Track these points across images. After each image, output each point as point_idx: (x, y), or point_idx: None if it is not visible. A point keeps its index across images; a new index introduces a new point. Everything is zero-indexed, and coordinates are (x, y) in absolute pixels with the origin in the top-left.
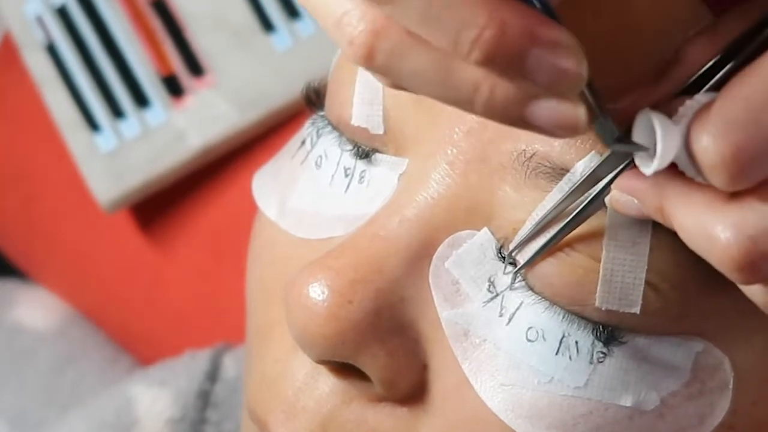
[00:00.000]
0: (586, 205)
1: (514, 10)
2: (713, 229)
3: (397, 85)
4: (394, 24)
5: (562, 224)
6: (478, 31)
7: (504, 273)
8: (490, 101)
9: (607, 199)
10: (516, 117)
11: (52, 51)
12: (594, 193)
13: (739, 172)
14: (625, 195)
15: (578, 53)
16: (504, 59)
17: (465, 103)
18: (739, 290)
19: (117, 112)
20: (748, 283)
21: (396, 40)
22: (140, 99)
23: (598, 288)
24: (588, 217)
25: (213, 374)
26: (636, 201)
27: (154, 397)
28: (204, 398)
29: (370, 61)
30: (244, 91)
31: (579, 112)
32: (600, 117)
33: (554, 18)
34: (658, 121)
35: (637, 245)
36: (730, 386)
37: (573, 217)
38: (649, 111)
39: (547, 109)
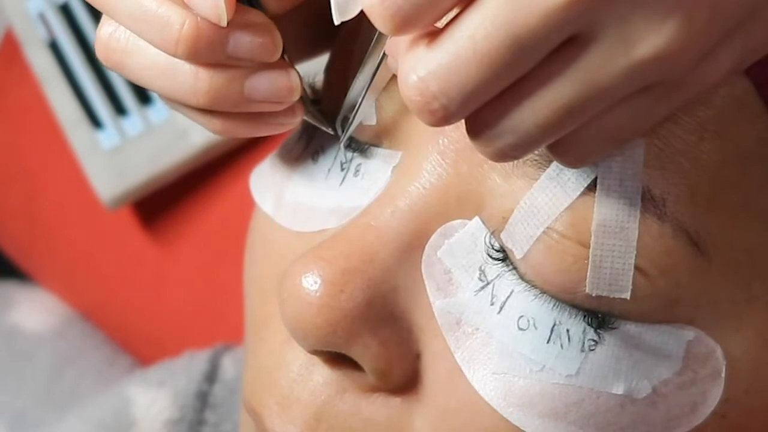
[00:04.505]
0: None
1: (208, 4)
2: (402, 72)
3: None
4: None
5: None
6: (178, 28)
7: (488, 256)
8: (211, 90)
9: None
10: (240, 99)
11: (54, 48)
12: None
13: (391, 17)
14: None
15: (270, 27)
16: (206, 50)
17: (190, 95)
18: (731, 279)
19: (119, 109)
20: (431, 123)
21: (123, 39)
22: (143, 96)
23: (588, 274)
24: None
25: (212, 375)
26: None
27: (153, 397)
28: (202, 399)
29: (107, 61)
30: None
31: (292, 76)
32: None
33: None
34: None
35: (625, 230)
36: (723, 375)
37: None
38: None
39: (263, 81)
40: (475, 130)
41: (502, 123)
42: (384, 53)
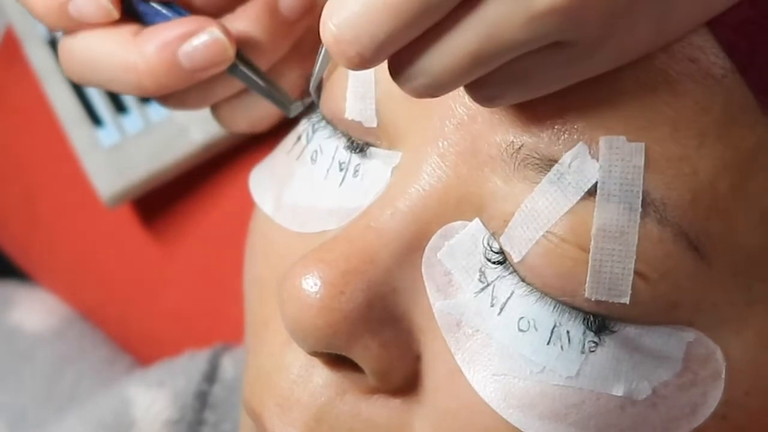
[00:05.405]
0: None
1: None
2: (322, 20)
3: None
4: None
5: None
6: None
7: (487, 259)
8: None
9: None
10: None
11: (54, 45)
12: None
13: None
14: None
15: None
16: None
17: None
18: (730, 282)
19: (119, 106)
20: (350, 68)
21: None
22: None
23: (588, 279)
24: None
25: (211, 375)
26: None
27: (152, 398)
28: (202, 399)
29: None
30: None
31: (214, 31)
32: None
33: None
34: None
35: (625, 235)
36: (723, 376)
37: None
38: None
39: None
40: (394, 68)
41: (416, 64)
42: None
